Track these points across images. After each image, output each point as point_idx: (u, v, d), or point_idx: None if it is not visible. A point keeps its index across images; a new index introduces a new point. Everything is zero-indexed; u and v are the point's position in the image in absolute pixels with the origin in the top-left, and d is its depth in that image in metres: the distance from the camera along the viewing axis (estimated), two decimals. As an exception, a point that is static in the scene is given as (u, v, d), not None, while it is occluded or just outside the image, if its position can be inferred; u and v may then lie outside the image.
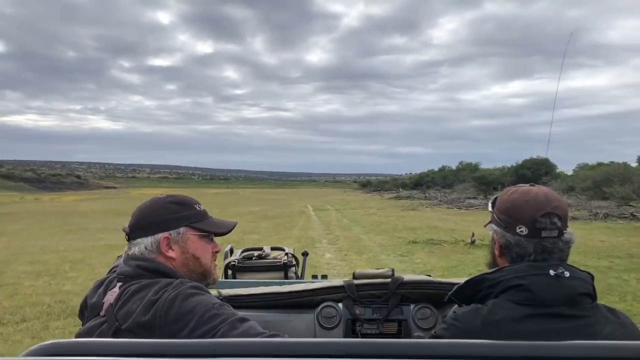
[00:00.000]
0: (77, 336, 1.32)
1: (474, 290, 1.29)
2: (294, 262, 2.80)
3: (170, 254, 1.40)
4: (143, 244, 1.40)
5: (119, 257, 1.65)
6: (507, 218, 1.31)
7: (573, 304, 1.19)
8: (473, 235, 12.94)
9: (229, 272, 2.69)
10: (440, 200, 38.11)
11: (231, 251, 2.90)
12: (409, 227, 17.47)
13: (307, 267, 3.05)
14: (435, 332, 1.30)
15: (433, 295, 1.94)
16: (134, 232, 1.42)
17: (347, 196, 63.87)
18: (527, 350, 0.74)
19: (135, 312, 1.24)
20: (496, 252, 1.36)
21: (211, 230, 1.48)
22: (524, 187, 1.36)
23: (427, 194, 51.21)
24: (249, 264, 2.71)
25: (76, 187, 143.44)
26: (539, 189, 1.33)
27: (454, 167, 79.64)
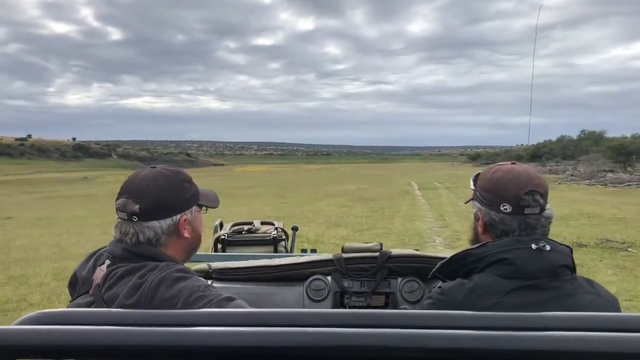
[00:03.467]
0: None
1: (458, 266, 1.33)
2: (284, 237, 2.74)
3: (186, 234, 1.36)
4: (160, 228, 1.32)
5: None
6: (491, 196, 1.35)
7: (554, 276, 1.24)
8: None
9: (219, 246, 2.64)
10: (572, 175, 31.82)
11: (221, 225, 2.83)
12: (556, 216, 12.64)
13: (297, 241, 2.96)
14: (421, 308, 1.34)
15: (420, 269, 1.95)
16: (148, 213, 1.31)
17: (456, 171, 57.91)
18: (511, 321, 0.75)
19: (120, 296, 1.22)
20: (479, 229, 1.39)
21: (211, 205, 1.47)
22: (507, 165, 1.40)
23: (551, 167, 44.45)
24: (239, 238, 2.65)
25: (187, 165, 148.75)
26: (521, 167, 1.37)
27: (574, 137, 72.11)
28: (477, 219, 1.41)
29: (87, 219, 14.95)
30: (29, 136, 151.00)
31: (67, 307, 1.25)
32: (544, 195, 1.31)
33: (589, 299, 1.25)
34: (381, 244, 2.08)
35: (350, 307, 1.95)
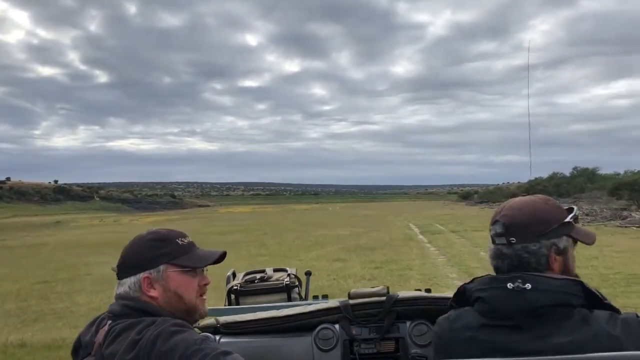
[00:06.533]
0: None
1: (461, 299, 1.36)
2: (297, 283, 2.70)
3: (152, 293, 1.38)
4: (127, 284, 1.39)
5: None
6: None
7: (534, 317, 1.20)
8: None
9: (232, 296, 2.59)
10: (588, 215, 28.59)
11: (234, 275, 2.80)
12: (625, 277, 9.19)
13: (311, 287, 2.92)
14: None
15: (429, 310, 1.90)
16: (121, 272, 1.41)
17: (452, 210, 54.72)
18: None
19: (119, 352, 1.24)
20: None
21: (191, 265, 1.43)
22: (521, 197, 1.43)
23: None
24: (251, 287, 2.60)
25: (171, 207, 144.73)
26: (517, 198, 1.40)
27: (566, 174, 70.19)
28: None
29: (-1, 284, 11.27)
30: (8, 179, 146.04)
31: None
32: (508, 226, 1.30)
33: (571, 338, 1.16)
34: (387, 288, 1.99)
35: (359, 355, 1.90)
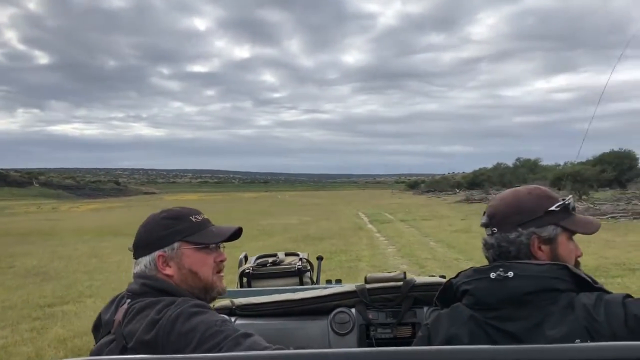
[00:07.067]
0: (91, 354, 1.35)
1: (449, 294, 1.34)
2: (309, 267, 2.70)
3: (167, 271, 1.38)
4: (143, 263, 1.39)
5: None
6: None
7: (520, 305, 1.17)
8: None
9: (244, 279, 2.62)
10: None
11: (246, 258, 2.82)
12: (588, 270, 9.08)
13: (322, 272, 2.91)
14: (415, 341, 1.38)
15: None
16: (136, 251, 1.42)
17: (400, 199, 55.03)
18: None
19: (138, 331, 1.23)
20: None
21: (205, 241, 1.42)
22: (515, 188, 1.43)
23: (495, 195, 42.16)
24: (264, 271, 2.63)
25: (115, 194, 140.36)
26: (508, 189, 1.39)
27: (509, 165, 72.38)
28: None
29: None
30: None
31: (91, 351, 1.34)
32: (490, 216, 1.32)
33: (565, 328, 1.10)
34: (404, 273, 2.00)
35: (376, 340, 1.90)
